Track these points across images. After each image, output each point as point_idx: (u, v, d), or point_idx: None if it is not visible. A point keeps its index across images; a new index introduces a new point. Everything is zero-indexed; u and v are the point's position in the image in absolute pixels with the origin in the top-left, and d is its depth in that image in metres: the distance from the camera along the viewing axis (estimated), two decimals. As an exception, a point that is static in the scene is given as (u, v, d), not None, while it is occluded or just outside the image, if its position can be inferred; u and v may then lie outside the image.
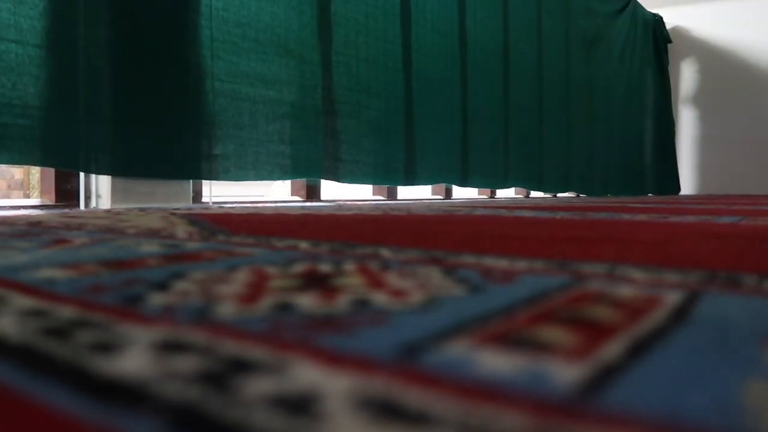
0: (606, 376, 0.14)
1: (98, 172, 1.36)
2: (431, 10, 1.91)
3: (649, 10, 3.54)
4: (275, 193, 3.12)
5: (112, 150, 1.32)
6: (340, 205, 1.39)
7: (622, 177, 3.19)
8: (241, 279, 0.27)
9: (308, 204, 1.62)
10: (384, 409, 0.12)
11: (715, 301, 0.23)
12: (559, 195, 2.83)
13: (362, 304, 0.21)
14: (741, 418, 0.12)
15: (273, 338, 0.17)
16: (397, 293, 0.23)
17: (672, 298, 0.23)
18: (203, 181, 1.67)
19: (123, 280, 0.27)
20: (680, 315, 0.20)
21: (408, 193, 2.05)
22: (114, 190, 1.45)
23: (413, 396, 0.13)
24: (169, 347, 0.16)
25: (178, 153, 1.46)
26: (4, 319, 0.19)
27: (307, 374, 0.14)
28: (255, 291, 0.24)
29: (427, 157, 1.89)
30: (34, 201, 1.56)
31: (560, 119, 2.66)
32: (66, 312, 0.20)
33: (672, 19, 3.77)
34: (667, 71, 3.72)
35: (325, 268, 0.30)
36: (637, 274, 0.29)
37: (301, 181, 1.79)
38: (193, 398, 0.12)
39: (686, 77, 3.82)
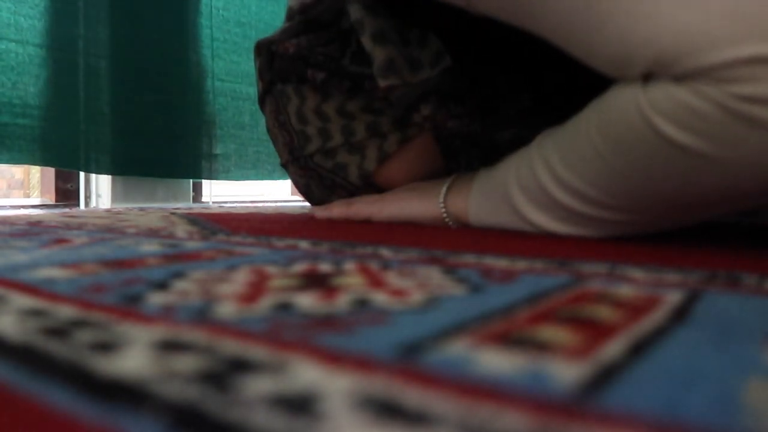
0: (606, 375, 0.14)
1: (98, 172, 1.36)
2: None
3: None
4: (275, 192, 3.11)
5: (112, 149, 1.32)
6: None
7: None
8: (241, 278, 0.27)
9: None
10: (384, 408, 0.12)
11: (716, 300, 0.23)
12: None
13: (362, 304, 0.21)
14: (741, 418, 0.12)
15: (273, 338, 0.17)
16: (397, 292, 0.23)
17: (672, 298, 0.23)
18: (203, 181, 1.67)
19: (123, 279, 0.27)
20: (680, 314, 0.20)
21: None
22: (114, 190, 1.45)
23: (413, 395, 0.13)
24: (169, 347, 0.16)
25: (179, 152, 1.45)
26: (4, 319, 0.19)
27: (307, 374, 0.14)
28: (255, 290, 0.24)
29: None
30: (35, 200, 1.56)
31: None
32: (66, 311, 0.20)
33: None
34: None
35: (325, 267, 0.30)
36: (637, 274, 0.29)
37: (302, 181, 1.79)
38: (193, 398, 0.12)
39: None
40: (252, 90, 1.53)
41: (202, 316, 0.19)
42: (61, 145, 1.22)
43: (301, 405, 0.12)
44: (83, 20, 1.25)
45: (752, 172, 0.36)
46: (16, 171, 3.73)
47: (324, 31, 0.67)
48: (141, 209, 1.20)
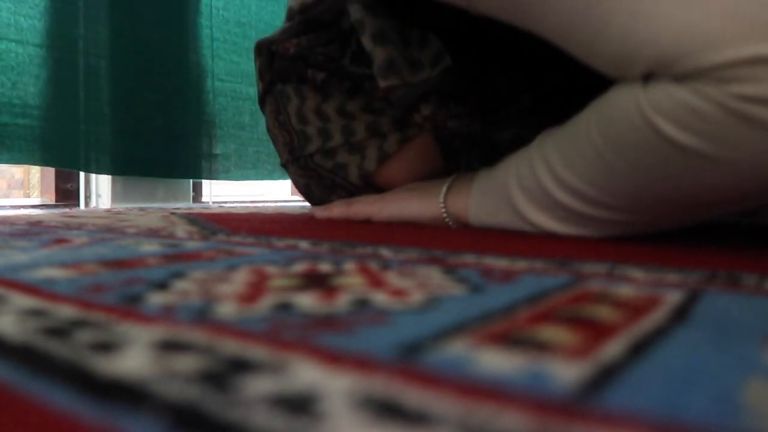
0: (606, 375, 0.14)
1: (98, 172, 1.36)
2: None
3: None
4: (275, 192, 3.11)
5: (112, 150, 1.32)
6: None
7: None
8: (241, 278, 0.27)
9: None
10: (384, 408, 0.12)
11: (716, 300, 0.23)
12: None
13: (362, 304, 0.21)
14: (741, 418, 0.12)
15: (273, 338, 0.17)
16: (397, 292, 0.23)
17: (672, 298, 0.23)
18: (203, 181, 1.67)
19: (123, 279, 0.27)
20: (680, 314, 0.20)
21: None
22: (114, 190, 1.45)
23: (413, 395, 0.13)
24: (169, 347, 0.16)
25: (179, 152, 1.45)
26: (4, 319, 0.19)
27: (307, 374, 0.14)
28: (255, 290, 0.24)
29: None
30: (35, 200, 1.56)
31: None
32: (66, 311, 0.20)
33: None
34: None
35: (325, 267, 0.30)
36: (637, 274, 0.29)
37: (302, 181, 1.79)
38: (193, 398, 0.12)
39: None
40: (252, 90, 1.53)
41: (202, 316, 0.19)
42: (61, 145, 1.22)
43: (301, 405, 0.12)
44: (83, 20, 1.25)
45: (752, 172, 0.36)
46: (16, 171, 3.73)
47: (324, 31, 0.68)
48: (141, 209, 1.20)
